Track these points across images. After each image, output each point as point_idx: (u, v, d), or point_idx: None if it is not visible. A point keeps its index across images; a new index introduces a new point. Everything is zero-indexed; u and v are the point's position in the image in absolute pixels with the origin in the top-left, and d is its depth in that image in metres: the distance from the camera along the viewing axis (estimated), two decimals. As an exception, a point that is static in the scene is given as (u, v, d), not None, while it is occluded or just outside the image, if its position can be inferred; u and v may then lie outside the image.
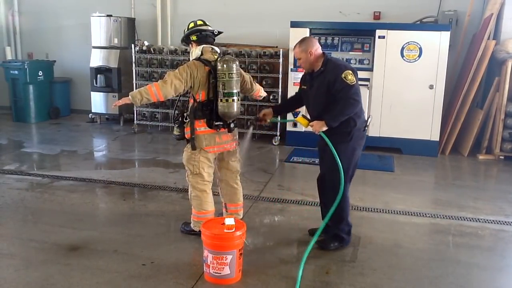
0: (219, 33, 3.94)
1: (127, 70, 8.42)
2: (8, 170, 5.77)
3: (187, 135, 3.81)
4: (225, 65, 3.63)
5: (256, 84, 4.17)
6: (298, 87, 7.31)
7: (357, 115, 3.57)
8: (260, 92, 4.21)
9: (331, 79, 3.49)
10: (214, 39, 3.90)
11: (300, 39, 3.74)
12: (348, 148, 3.58)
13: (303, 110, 4.11)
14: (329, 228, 3.76)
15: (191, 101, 3.82)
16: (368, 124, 3.72)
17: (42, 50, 9.70)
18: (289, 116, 5.82)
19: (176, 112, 3.93)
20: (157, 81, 3.69)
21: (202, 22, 3.84)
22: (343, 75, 3.43)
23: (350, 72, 3.47)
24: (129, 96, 3.66)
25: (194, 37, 3.80)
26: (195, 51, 3.79)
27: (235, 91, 3.69)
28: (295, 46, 3.69)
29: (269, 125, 6.92)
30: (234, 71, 3.66)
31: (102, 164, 6.57)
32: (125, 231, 4.09)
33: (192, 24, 3.84)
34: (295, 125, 7.17)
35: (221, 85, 3.65)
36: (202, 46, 3.78)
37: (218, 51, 3.86)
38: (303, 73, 3.89)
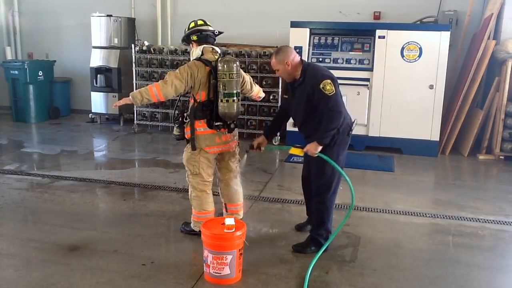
0: (220, 33, 3.94)
1: (127, 70, 8.42)
2: (8, 170, 5.77)
3: (187, 135, 3.81)
4: (225, 66, 3.62)
5: (256, 85, 4.17)
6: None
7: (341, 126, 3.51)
8: (259, 93, 4.20)
9: (310, 90, 3.41)
10: (215, 39, 3.89)
11: (276, 49, 3.61)
12: (332, 153, 3.52)
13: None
14: (310, 230, 3.82)
15: (191, 101, 3.81)
16: (352, 128, 3.63)
17: (42, 50, 9.70)
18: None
19: (176, 112, 3.93)
20: (157, 81, 3.70)
21: (202, 22, 3.84)
22: (321, 86, 3.33)
23: (329, 81, 3.34)
24: (130, 96, 3.67)
25: (194, 37, 3.79)
26: (196, 51, 3.79)
27: (235, 91, 3.67)
28: (271, 57, 3.60)
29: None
30: (235, 72, 3.65)
31: (102, 164, 6.57)
32: (125, 231, 4.09)
33: (192, 24, 3.83)
34: (294, 125, 7.16)
35: (221, 85, 3.63)
36: (203, 46, 3.78)
37: (219, 51, 3.85)
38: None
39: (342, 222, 3.74)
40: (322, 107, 3.38)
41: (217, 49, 3.84)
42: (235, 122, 3.87)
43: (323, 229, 3.69)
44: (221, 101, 3.65)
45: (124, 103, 3.72)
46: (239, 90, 3.74)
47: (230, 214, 3.96)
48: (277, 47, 7.00)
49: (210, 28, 3.84)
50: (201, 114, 3.73)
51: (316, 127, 3.46)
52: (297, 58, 3.53)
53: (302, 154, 3.65)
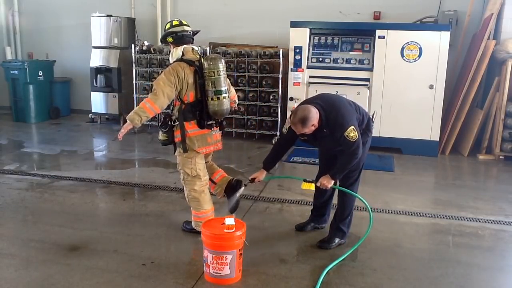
0: (196, 32, 3.91)
1: (127, 70, 8.42)
2: (8, 170, 5.77)
3: (177, 138, 3.76)
4: (212, 64, 3.62)
5: (233, 89, 4.15)
6: (297, 87, 7.26)
7: (367, 129, 3.74)
8: (234, 97, 4.16)
9: (337, 135, 3.47)
10: (193, 39, 3.86)
11: (297, 117, 3.41)
12: (365, 150, 3.75)
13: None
14: (333, 223, 3.93)
15: (177, 103, 3.76)
16: (373, 120, 3.85)
17: (42, 50, 9.70)
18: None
19: (162, 116, 3.83)
20: (150, 94, 3.63)
21: (177, 23, 3.79)
22: (345, 134, 3.43)
23: (352, 128, 3.43)
24: (128, 121, 3.61)
25: (170, 39, 3.77)
26: (176, 52, 3.76)
27: (223, 88, 3.68)
28: (295, 125, 3.44)
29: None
30: (222, 69, 3.66)
31: (102, 164, 6.57)
32: (125, 231, 4.09)
33: (168, 25, 3.81)
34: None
35: (210, 83, 3.63)
36: (183, 46, 3.75)
37: (199, 51, 3.85)
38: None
39: (370, 223, 3.78)
40: (344, 148, 3.52)
41: (196, 48, 3.84)
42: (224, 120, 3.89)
43: (349, 217, 3.88)
44: (212, 99, 3.65)
45: (127, 130, 3.64)
46: (227, 87, 3.74)
47: (219, 184, 4.02)
48: (276, 47, 6.93)
49: (186, 28, 3.79)
50: (191, 115, 3.70)
51: None
52: (317, 113, 3.45)
53: (313, 188, 3.77)
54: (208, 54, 6.89)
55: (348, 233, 3.90)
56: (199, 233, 3.70)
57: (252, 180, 3.84)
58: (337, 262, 3.52)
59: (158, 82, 3.61)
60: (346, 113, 3.52)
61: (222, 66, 3.67)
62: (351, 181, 3.79)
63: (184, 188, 3.94)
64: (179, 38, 3.75)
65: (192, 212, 3.94)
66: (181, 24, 3.78)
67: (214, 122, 3.76)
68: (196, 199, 3.86)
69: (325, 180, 3.63)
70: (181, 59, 3.71)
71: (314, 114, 3.41)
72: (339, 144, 3.51)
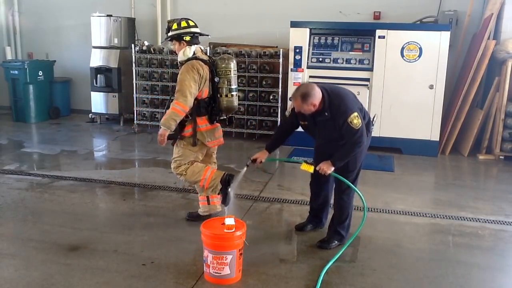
0: (206, 35, 4.15)
1: (127, 70, 8.41)
2: (8, 170, 5.77)
3: (189, 133, 3.91)
4: (228, 63, 3.88)
5: None
6: (297, 87, 7.27)
7: (367, 129, 3.69)
8: None
9: (340, 122, 3.46)
10: None
11: (299, 91, 3.45)
12: (362, 152, 3.71)
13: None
14: (331, 225, 3.91)
15: None
16: (373, 123, 3.83)
17: (42, 50, 9.69)
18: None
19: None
20: (179, 96, 3.75)
21: (193, 23, 3.96)
22: (349, 120, 3.41)
23: (356, 115, 3.42)
24: (163, 127, 3.75)
25: (188, 38, 3.90)
26: (188, 50, 3.90)
27: (235, 86, 3.94)
28: (295, 99, 3.45)
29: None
30: (234, 68, 3.93)
31: (102, 164, 6.57)
32: (125, 231, 4.09)
33: (184, 23, 3.93)
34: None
35: (226, 81, 3.87)
36: (195, 46, 3.93)
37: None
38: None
39: (356, 231, 3.77)
40: (348, 138, 3.49)
41: (203, 49, 4.09)
42: None
43: (347, 220, 3.84)
44: (226, 96, 3.89)
45: (166, 136, 3.79)
46: (237, 85, 3.99)
47: (214, 207, 4.14)
48: (276, 47, 6.92)
49: (200, 32, 4.00)
50: (204, 111, 3.91)
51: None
52: (320, 94, 3.46)
53: (312, 171, 3.71)
54: (208, 54, 6.91)
55: (346, 236, 3.85)
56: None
57: (254, 161, 3.84)
58: (334, 260, 3.51)
59: (184, 82, 3.74)
60: (349, 102, 3.53)
61: (234, 65, 3.93)
62: (349, 181, 3.77)
63: (178, 175, 4.04)
64: (195, 38, 3.94)
65: (200, 185, 3.99)
66: (196, 25, 3.96)
67: (226, 117, 4.00)
68: (192, 171, 3.96)
69: (325, 166, 3.58)
70: (195, 58, 3.86)
71: (316, 93, 3.43)
72: (340, 133, 3.47)
